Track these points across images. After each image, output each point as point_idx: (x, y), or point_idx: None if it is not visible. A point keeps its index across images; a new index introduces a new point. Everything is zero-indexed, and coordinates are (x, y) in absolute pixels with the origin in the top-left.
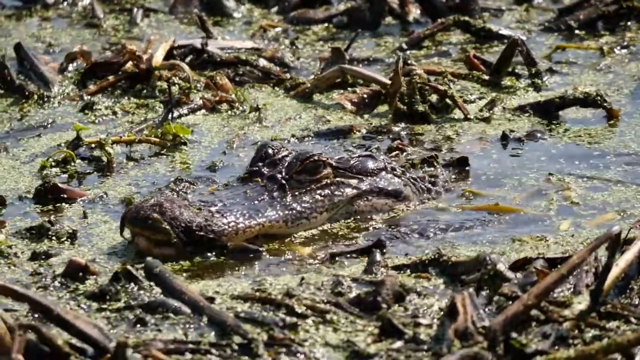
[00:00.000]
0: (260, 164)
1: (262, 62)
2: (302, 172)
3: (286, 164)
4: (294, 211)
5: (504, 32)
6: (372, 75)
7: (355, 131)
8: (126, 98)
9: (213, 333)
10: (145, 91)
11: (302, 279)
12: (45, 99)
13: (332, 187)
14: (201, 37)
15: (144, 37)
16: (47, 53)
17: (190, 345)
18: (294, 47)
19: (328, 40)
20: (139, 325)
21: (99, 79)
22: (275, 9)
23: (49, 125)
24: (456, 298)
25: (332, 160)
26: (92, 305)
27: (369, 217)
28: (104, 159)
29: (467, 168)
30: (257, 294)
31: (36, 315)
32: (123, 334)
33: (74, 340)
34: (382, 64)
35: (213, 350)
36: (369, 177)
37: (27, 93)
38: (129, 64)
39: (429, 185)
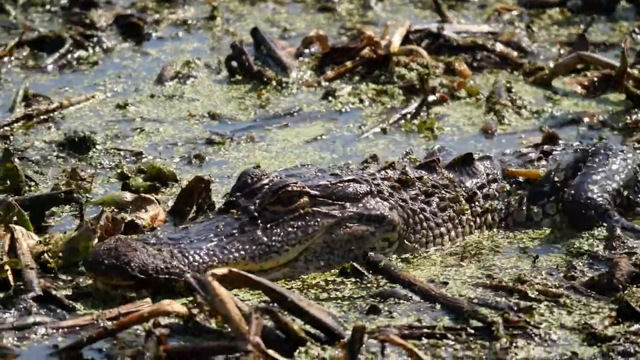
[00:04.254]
0: (238, 193)
1: (499, 47)
2: (275, 203)
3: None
4: (262, 246)
5: None
6: (609, 62)
7: (586, 119)
8: (364, 84)
9: (446, 318)
10: (383, 77)
11: (536, 257)
12: (284, 85)
13: (306, 218)
14: (436, 20)
15: (379, 22)
16: (282, 38)
17: (426, 330)
18: (530, 31)
19: (563, 24)
20: (371, 314)
21: (336, 64)
22: None
23: (295, 114)
24: None
25: (309, 188)
26: (321, 295)
27: (350, 246)
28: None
29: (475, 166)
30: (488, 280)
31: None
32: (357, 321)
33: (306, 327)
34: (618, 48)
35: (449, 335)
36: (352, 203)
37: (265, 79)
38: (366, 50)
39: (423, 205)
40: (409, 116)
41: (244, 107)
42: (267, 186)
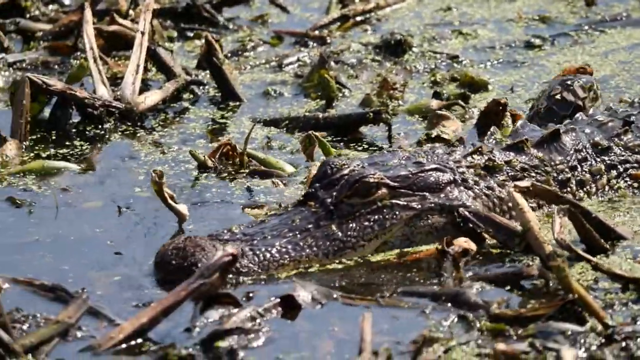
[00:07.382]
0: (317, 185)
1: None
2: (353, 195)
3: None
4: (337, 242)
5: None
6: None
7: None
8: None
9: None
10: None
11: None
12: None
13: (384, 211)
14: None
15: None
16: None
17: None
18: None
19: None
20: None
21: None
22: None
23: (623, 18)
24: None
25: (389, 179)
26: None
27: (430, 239)
28: None
29: (561, 143)
30: None
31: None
32: None
33: None
34: None
35: None
36: (434, 193)
37: None
38: None
39: (502, 193)
40: None
41: (572, 10)
42: (345, 177)
